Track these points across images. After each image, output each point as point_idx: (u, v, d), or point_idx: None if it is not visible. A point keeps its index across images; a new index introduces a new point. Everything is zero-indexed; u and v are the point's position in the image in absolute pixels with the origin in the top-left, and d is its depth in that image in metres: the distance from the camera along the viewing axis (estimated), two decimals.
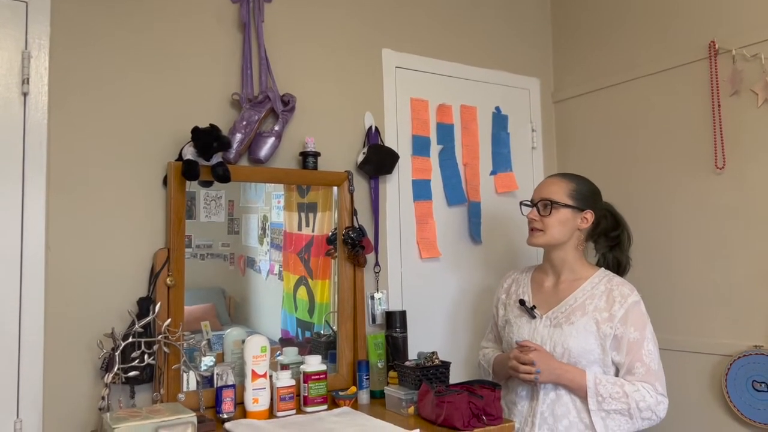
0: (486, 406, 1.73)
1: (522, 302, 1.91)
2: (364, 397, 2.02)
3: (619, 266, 2.01)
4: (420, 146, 2.42)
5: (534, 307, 1.89)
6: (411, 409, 1.84)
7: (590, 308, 1.82)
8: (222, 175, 1.88)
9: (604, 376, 1.77)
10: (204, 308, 1.96)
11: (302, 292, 2.13)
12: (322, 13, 2.26)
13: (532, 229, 1.91)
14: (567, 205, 1.88)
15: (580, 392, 1.76)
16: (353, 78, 2.30)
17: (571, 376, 1.76)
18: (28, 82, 1.73)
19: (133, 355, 1.73)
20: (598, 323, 1.80)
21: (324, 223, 2.17)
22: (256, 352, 1.85)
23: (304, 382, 1.90)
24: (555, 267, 1.94)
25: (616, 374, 1.81)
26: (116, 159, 1.86)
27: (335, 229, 2.18)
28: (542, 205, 1.89)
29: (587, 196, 1.92)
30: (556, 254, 1.92)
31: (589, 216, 1.91)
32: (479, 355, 2.12)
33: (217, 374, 1.83)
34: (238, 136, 1.97)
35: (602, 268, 1.95)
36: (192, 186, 1.93)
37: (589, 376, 1.76)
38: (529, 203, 1.95)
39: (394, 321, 2.15)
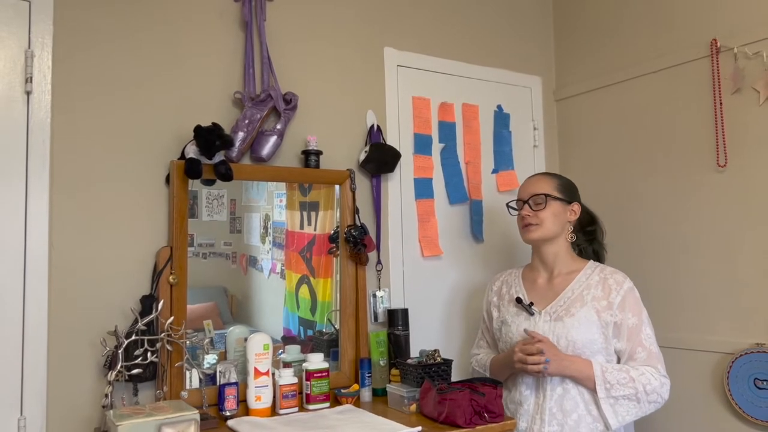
0: (488, 403, 1.73)
1: (519, 300, 1.92)
2: (366, 394, 2.03)
3: (598, 257, 2.07)
4: (422, 144, 2.42)
5: (531, 303, 1.89)
6: (413, 407, 1.85)
7: (588, 298, 1.85)
8: (224, 173, 1.89)
9: (609, 364, 1.80)
10: (206, 307, 1.97)
11: (304, 290, 2.13)
12: (324, 12, 2.26)
13: (526, 225, 1.94)
14: (557, 198, 1.92)
15: (587, 382, 1.77)
16: (355, 76, 2.30)
17: (577, 367, 1.77)
18: (31, 81, 1.73)
19: (136, 352, 1.74)
20: (598, 312, 1.82)
21: (326, 222, 2.17)
22: (258, 349, 1.86)
23: (307, 379, 1.91)
24: (547, 263, 1.96)
25: (618, 362, 1.84)
26: (119, 157, 1.86)
27: (337, 227, 2.18)
28: (534, 200, 1.92)
29: (571, 190, 1.99)
30: (549, 249, 1.95)
31: (577, 208, 1.98)
32: (471, 362, 2.11)
33: (219, 372, 1.84)
34: (241, 134, 1.98)
35: (591, 261, 1.99)
36: (194, 185, 1.93)
37: (595, 365, 1.77)
38: (516, 203, 1.99)
39: (396, 319, 2.15)
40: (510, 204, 2.04)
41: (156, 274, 1.86)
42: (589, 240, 2.09)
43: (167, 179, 1.92)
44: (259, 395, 1.84)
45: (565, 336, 1.80)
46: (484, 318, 2.11)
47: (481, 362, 2.04)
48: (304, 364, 1.94)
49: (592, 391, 1.78)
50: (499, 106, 2.66)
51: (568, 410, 1.79)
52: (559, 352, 1.78)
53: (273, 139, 2.04)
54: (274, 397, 1.87)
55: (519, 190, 2.01)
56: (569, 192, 1.97)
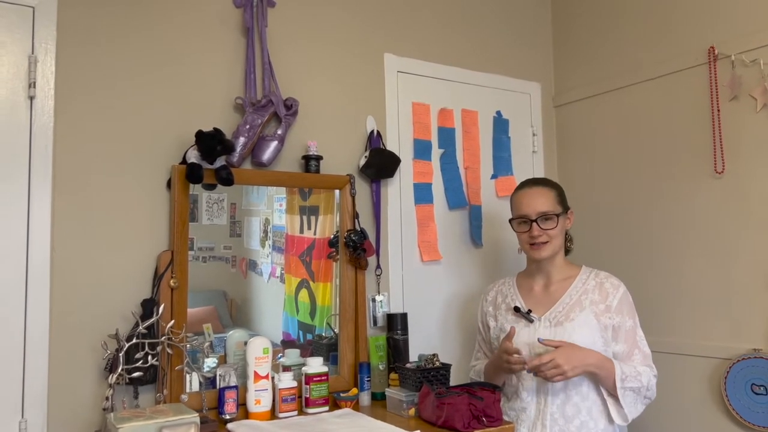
0: (486, 407, 1.74)
1: (517, 309, 1.92)
2: (365, 398, 2.03)
3: (567, 250, 2.07)
4: (421, 150, 2.44)
5: (530, 311, 1.90)
6: (412, 411, 1.85)
7: (587, 303, 1.87)
8: (225, 178, 1.90)
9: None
10: (206, 311, 1.98)
11: (304, 294, 2.14)
12: (325, 18, 2.28)
13: (535, 244, 1.91)
14: (560, 213, 1.93)
15: (607, 378, 1.77)
16: (355, 82, 2.32)
17: (599, 362, 1.76)
18: (34, 86, 1.75)
19: (137, 356, 1.74)
20: (597, 315, 1.85)
21: (326, 226, 2.18)
22: (258, 353, 1.86)
23: (306, 383, 1.92)
24: (544, 270, 1.97)
25: None
26: (121, 162, 1.88)
27: (337, 231, 2.19)
28: (544, 219, 1.90)
29: (564, 196, 1.99)
30: (549, 258, 1.94)
31: (572, 215, 2.00)
32: (470, 373, 2.11)
33: (219, 375, 1.84)
34: (242, 139, 1.99)
35: (584, 266, 1.99)
36: (195, 189, 1.94)
37: (612, 359, 1.81)
38: (520, 219, 1.94)
39: (395, 323, 2.16)
40: (518, 220, 1.95)
41: (157, 278, 1.87)
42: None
43: (168, 183, 1.93)
44: (259, 399, 1.85)
45: (566, 340, 1.81)
46: (480, 329, 2.11)
47: (477, 371, 2.05)
48: (303, 368, 1.94)
49: (609, 385, 1.78)
50: (498, 112, 2.67)
51: (570, 416, 1.80)
52: (572, 351, 1.75)
53: (274, 144, 2.05)
54: (274, 400, 1.88)
55: (519, 205, 1.95)
56: (564, 200, 1.97)
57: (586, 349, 1.78)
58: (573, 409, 1.80)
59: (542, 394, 1.84)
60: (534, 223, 1.90)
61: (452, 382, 2.00)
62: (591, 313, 1.85)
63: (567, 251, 2.06)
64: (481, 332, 2.11)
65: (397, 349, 2.13)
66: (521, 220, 1.94)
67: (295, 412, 1.88)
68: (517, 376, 1.89)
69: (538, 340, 1.79)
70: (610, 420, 1.81)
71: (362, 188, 2.27)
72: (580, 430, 1.79)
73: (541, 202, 1.92)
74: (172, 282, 1.86)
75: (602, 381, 1.80)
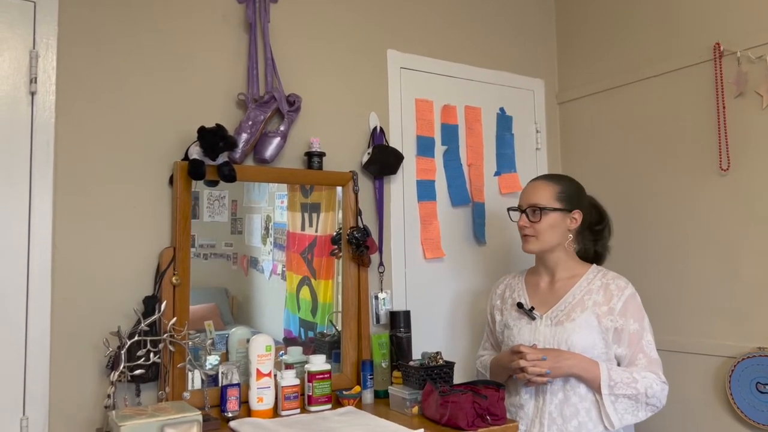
0: (490, 406, 1.73)
1: (520, 305, 1.92)
2: (368, 396, 2.03)
3: (599, 257, 2.05)
4: (424, 147, 2.43)
5: (533, 308, 1.89)
6: (415, 409, 1.85)
7: (589, 303, 1.85)
8: (228, 174, 1.89)
9: (614, 365, 1.81)
10: (207, 308, 1.97)
11: (305, 292, 2.13)
12: (328, 14, 2.26)
13: (525, 236, 1.93)
14: (555, 209, 1.89)
15: (592, 381, 1.76)
16: (358, 78, 2.30)
17: (583, 365, 1.76)
18: (35, 82, 1.74)
19: (139, 353, 1.74)
20: (598, 317, 1.82)
21: (327, 223, 2.18)
22: (261, 351, 1.86)
23: (309, 381, 1.91)
24: (549, 267, 1.96)
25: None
26: (123, 158, 1.87)
27: (340, 229, 2.18)
28: (530, 211, 1.90)
29: (573, 196, 1.94)
30: (549, 256, 1.95)
31: (578, 216, 1.94)
32: (477, 363, 2.12)
33: (222, 373, 1.84)
34: (244, 135, 1.98)
35: (594, 265, 1.98)
36: (196, 186, 1.93)
37: (601, 363, 1.78)
38: (516, 209, 1.97)
39: (398, 321, 2.15)
40: (511, 209, 2.01)
41: (159, 275, 1.86)
42: (594, 240, 2.05)
43: (170, 180, 1.92)
44: (261, 396, 1.84)
45: (565, 340, 1.81)
46: (488, 321, 2.12)
47: (484, 363, 2.05)
48: (306, 366, 1.94)
49: (595, 389, 1.77)
50: (501, 109, 2.66)
51: (568, 416, 1.79)
52: (559, 355, 1.77)
53: (276, 140, 2.04)
54: (276, 398, 1.87)
55: (520, 195, 1.99)
56: (570, 199, 1.92)
57: (568, 352, 1.78)
58: (571, 410, 1.79)
59: (541, 393, 1.83)
60: (523, 213, 1.91)
61: (456, 380, 1.99)
62: (592, 315, 1.82)
63: (598, 260, 2.04)
64: (489, 324, 2.11)
65: (400, 347, 2.13)
66: (516, 210, 1.97)
67: (298, 410, 1.87)
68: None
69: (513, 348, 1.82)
70: None
71: (365, 185, 2.26)
72: (579, 431, 1.78)
73: (537, 194, 1.91)
74: (174, 279, 1.85)
75: (589, 384, 1.79)
